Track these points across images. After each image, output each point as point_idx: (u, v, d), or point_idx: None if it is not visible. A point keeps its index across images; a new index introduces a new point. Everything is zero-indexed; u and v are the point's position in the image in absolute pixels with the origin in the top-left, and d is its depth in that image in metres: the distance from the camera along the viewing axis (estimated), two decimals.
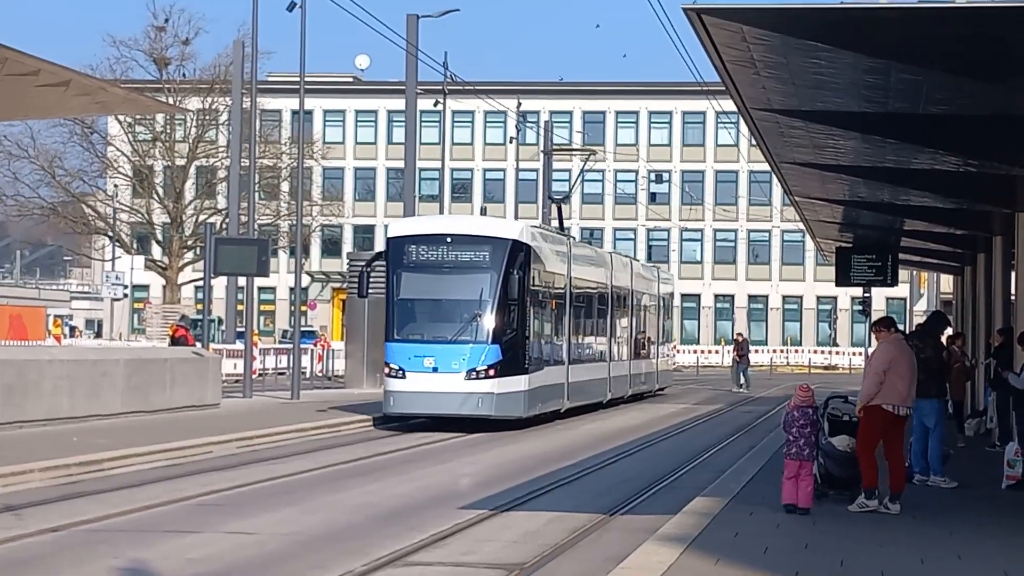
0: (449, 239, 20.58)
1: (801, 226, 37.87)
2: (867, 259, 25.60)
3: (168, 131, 50.84)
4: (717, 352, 60.45)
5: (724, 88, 11.72)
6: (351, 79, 69.75)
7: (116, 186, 56.83)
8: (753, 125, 14.29)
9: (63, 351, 25.73)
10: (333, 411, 22.57)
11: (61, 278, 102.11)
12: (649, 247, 68.91)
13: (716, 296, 70.02)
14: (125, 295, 57.02)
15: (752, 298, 69.93)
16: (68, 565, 8.54)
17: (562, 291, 24.13)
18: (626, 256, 37.11)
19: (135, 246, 59.39)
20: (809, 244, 51.28)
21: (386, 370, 20.11)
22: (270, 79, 52.98)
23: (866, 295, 37.11)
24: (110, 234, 55.65)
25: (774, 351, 63.42)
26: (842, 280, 26.94)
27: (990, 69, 9.60)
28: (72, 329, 52.32)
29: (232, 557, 8.79)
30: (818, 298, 67.66)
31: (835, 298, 61.55)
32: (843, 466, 10.64)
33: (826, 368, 60.36)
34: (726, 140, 64.75)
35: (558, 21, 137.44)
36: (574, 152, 35.16)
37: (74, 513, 10.77)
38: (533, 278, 21.19)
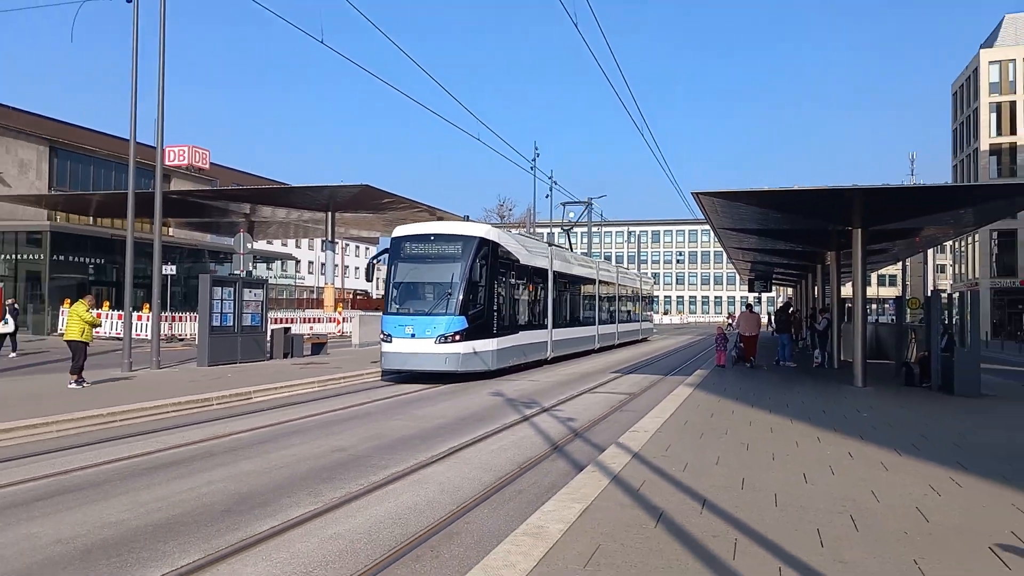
0: (432, 238, 20.44)
1: (734, 270, 78.87)
2: (760, 282, 43.06)
3: None
4: (692, 315, 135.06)
5: (705, 219, 19.95)
6: (566, 221, 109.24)
7: None
8: (716, 232, 23.15)
9: None
10: None
11: None
12: (677, 279, 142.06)
13: (702, 297, 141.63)
14: None
15: (716, 298, 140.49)
16: (383, 417, 13.92)
17: (542, 278, 24.97)
18: (614, 264, 43.13)
19: None
20: (737, 277, 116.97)
21: (380, 336, 20.35)
22: (537, 223, 78.89)
23: (758, 296, 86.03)
24: None
25: (721, 318, 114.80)
26: (751, 289, 43.92)
27: (801, 210, 17.45)
28: None
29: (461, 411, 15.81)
30: (741, 297, 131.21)
31: (746, 296, 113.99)
32: (741, 353, 22.02)
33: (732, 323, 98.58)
34: (705, 239, 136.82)
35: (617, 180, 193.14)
36: (582, 203, 44.95)
37: (387, 394, 17.38)
38: (502, 267, 21.12)
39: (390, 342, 19.75)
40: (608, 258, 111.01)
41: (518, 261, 22.42)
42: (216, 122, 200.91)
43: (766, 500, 6.87)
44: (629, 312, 41.09)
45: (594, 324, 32.17)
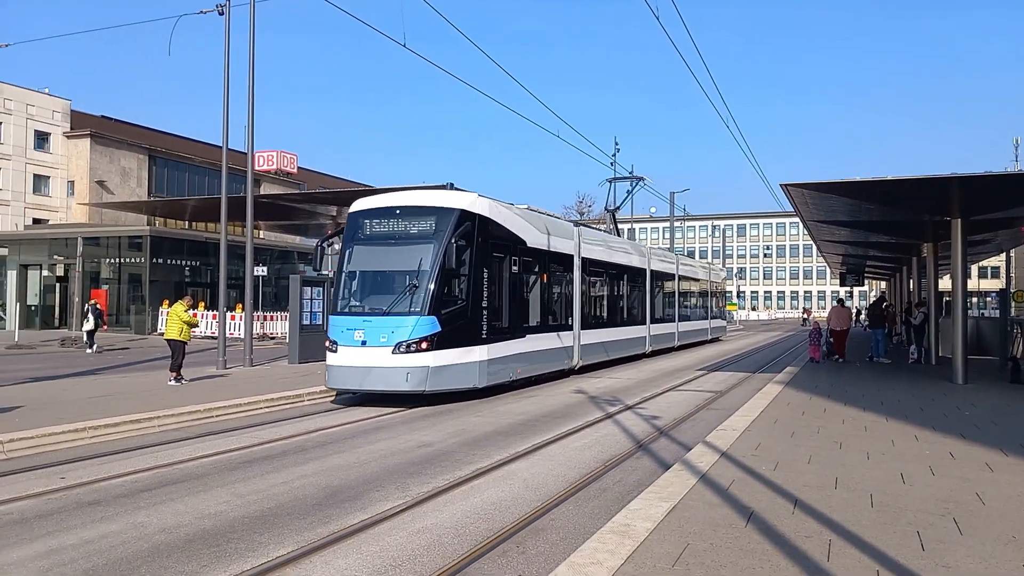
0: (398, 211, 15.53)
1: (824, 263, 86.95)
2: (852, 275, 43.69)
3: None
4: (780, 310, 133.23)
5: (794, 212, 19.60)
6: (648, 216, 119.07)
7: None
8: (806, 225, 22.83)
9: None
10: None
11: None
12: (764, 274, 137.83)
13: (791, 292, 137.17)
14: None
15: (805, 293, 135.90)
16: (467, 413, 13.94)
17: (565, 266, 20.41)
18: (673, 252, 36.48)
19: None
20: (828, 271, 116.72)
21: (326, 343, 15.36)
22: (619, 217, 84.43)
23: (850, 290, 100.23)
24: None
25: (815, 312, 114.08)
26: (842, 283, 45.73)
27: (896, 201, 17.07)
28: None
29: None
30: (831, 291, 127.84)
31: (838, 291, 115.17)
32: (831, 347, 22.06)
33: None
34: (793, 232, 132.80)
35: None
36: (631, 178, 36.09)
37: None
38: (498, 250, 16.35)
39: (335, 352, 14.97)
40: (691, 253, 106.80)
41: (524, 243, 17.59)
42: (302, 126, 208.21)
43: (861, 500, 6.67)
44: (695, 308, 36.08)
45: (644, 323, 27.39)
